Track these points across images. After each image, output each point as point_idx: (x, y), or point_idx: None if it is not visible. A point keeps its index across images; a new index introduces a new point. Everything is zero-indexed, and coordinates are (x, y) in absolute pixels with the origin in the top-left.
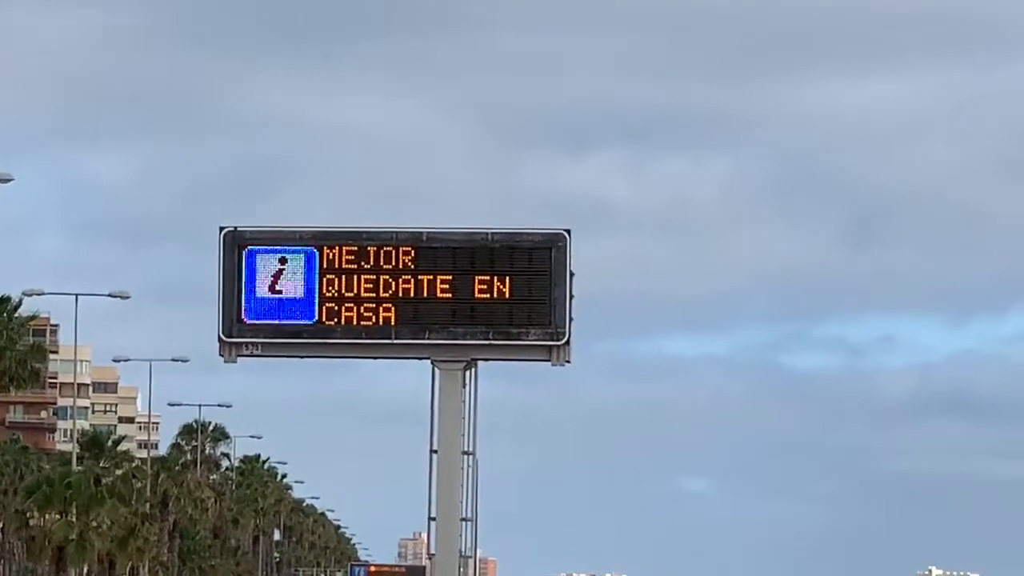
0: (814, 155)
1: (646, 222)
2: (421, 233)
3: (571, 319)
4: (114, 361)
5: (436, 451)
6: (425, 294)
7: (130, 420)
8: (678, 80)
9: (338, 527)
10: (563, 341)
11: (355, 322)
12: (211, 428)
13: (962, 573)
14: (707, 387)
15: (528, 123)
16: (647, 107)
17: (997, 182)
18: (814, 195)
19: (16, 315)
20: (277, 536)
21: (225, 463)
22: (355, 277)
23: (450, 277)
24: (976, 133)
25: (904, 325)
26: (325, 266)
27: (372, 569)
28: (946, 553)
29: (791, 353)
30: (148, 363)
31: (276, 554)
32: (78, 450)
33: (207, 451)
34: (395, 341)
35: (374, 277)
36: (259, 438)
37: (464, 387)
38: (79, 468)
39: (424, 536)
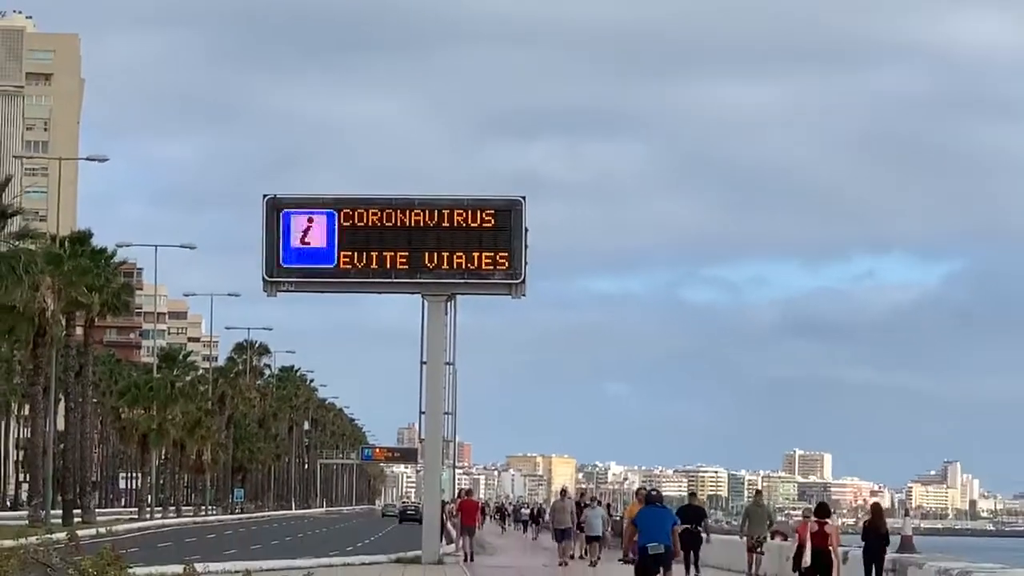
0: (707, 141)
1: (579, 192)
2: (413, 199)
3: (526, 264)
4: (184, 295)
5: (425, 362)
6: (417, 245)
7: (196, 340)
8: (603, 84)
9: (352, 419)
10: (520, 280)
11: (364, 266)
12: (257, 345)
13: (817, 452)
14: (626, 315)
15: (490, 118)
16: (579, 105)
17: (846, 161)
18: (707, 171)
19: (111, 261)
20: (306, 426)
21: (267, 371)
22: (364, 232)
23: (435, 232)
24: (830, 124)
25: (772, 268)
26: (342, 224)
27: (377, 451)
28: (805, 438)
29: (687, 289)
30: (210, 297)
31: (306, 439)
32: (157, 362)
33: (254, 362)
34: (395, 280)
35: (378, 232)
36: (293, 352)
37: (446, 315)
38: (158, 376)
39: (416, 426)
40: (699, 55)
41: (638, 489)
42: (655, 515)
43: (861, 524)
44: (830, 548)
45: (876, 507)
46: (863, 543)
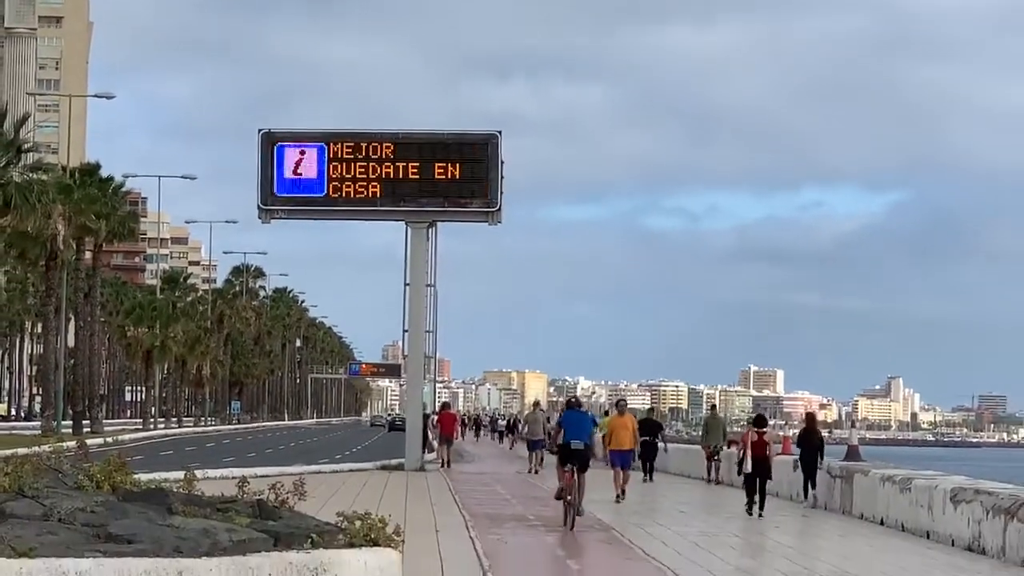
0: (667, 81)
1: (550, 128)
2: (398, 133)
3: (502, 193)
4: (186, 223)
5: (408, 284)
6: (401, 176)
7: (196, 263)
8: (570, 30)
9: (340, 337)
10: (496, 208)
11: (352, 195)
12: (252, 269)
13: (771, 369)
14: (592, 241)
15: (468, 61)
16: (549, 49)
17: (794, 100)
18: (666, 109)
19: (118, 191)
20: (298, 343)
21: (262, 293)
22: (352, 164)
23: (418, 164)
24: (779, 67)
25: (726, 198)
26: (331, 156)
27: (364, 367)
28: (759, 356)
29: (649, 217)
30: (209, 224)
31: (297, 356)
32: (160, 284)
33: (250, 284)
34: (380, 208)
35: (365, 164)
36: (286, 275)
37: (428, 240)
38: (161, 297)
39: (400, 343)
40: (658, 3)
41: (617, 401)
42: (576, 418)
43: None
44: (767, 454)
45: (810, 416)
46: (799, 449)
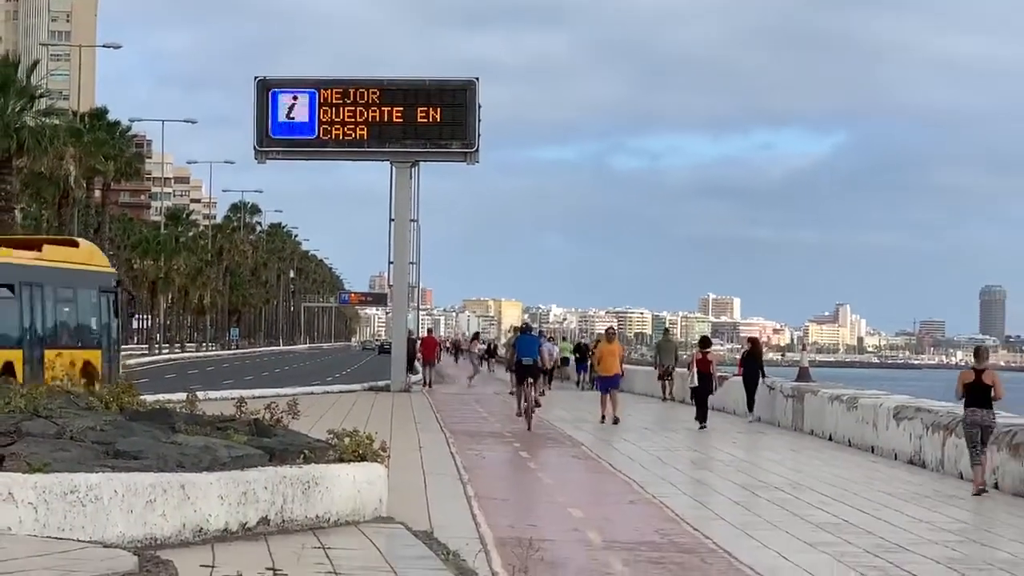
0: (627, 28)
1: (522, 74)
2: (383, 80)
3: (479, 135)
4: (187, 163)
5: (393, 219)
6: (386, 119)
7: (198, 201)
8: None
9: (331, 269)
10: (474, 149)
11: (341, 137)
12: (249, 206)
13: (728, 296)
14: (562, 179)
15: (445, 12)
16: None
17: (746, 46)
18: (628, 54)
19: (124, 134)
20: (292, 274)
21: (259, 228)
22: (341, 108)
23: (402, 108)
24: (732, 14)
25: (685, 139)
26: (322, 101)
27: (352, 296)
28: (716, 285)
29: (614, 157)
30: (209, 164)
31: (291, 286)
32: (164, 220)
33: (247, 220)
34: (367, 149)
35: (353, 108)
36: (281, 212)
37: (411, 179)
38: (165, 231)
39: (386, 274)
40: None
41: (606, 329)
42: (528, 340)
43: (741, 355)
44: (711, 372)
45: (753, 340)
46: (741, 369)
